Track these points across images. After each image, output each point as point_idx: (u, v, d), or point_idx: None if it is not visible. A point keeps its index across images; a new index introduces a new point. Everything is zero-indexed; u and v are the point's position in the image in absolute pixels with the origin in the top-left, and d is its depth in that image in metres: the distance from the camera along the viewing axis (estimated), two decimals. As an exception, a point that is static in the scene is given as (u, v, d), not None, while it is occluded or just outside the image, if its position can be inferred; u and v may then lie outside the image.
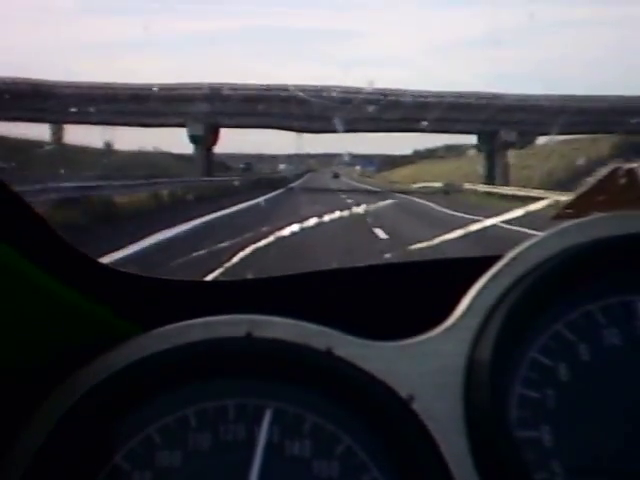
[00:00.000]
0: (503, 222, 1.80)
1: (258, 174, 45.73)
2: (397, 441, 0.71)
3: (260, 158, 66.44)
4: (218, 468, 0.72)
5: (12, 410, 0.72)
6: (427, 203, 22.09)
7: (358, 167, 73.39)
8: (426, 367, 0.74)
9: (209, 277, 1.27)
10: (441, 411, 0.72)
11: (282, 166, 63.13)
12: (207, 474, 0.72)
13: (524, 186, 24.04)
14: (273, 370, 0.74)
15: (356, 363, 0.73)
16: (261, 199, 19.29)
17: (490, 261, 0.79)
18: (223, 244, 3.66)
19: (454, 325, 0.76)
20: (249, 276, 0.99)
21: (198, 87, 33.03)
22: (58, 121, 30.34)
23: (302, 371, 0.73)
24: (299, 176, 50.27)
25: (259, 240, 1.71)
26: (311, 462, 0.72)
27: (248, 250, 1.71)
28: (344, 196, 22.20)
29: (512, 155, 35.37)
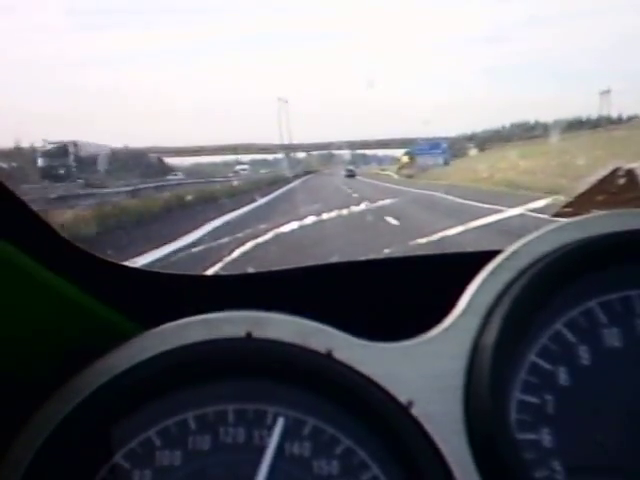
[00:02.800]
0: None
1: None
2: (398, 448, 0.71)
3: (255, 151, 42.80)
4: (219, 471, 0.72)
5: (13, 411, 0.72)
6: None
7: (405, 158, 39.99)
8: (426, 370, 0.74)
9: (209, 271, 1.27)
10: (441, 415, 0.72)
11: (241, 167, 38.63)
12: (208, 477, 0.72)
13: None
14: (273, 373, 0.74)
15: (356, 366, 0.73)
16: None
17: (490, 256, 0.80)
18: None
19: (454, 324, 0.76)
20: (249, 270, 0.99)
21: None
22: None
23: (302, 374, 0.73)
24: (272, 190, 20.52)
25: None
26: (311, 464, 0.72)
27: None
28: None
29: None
